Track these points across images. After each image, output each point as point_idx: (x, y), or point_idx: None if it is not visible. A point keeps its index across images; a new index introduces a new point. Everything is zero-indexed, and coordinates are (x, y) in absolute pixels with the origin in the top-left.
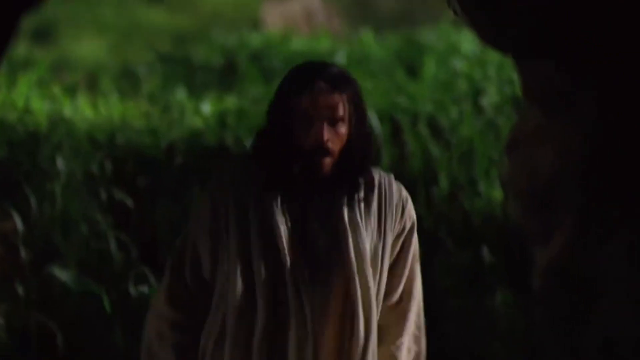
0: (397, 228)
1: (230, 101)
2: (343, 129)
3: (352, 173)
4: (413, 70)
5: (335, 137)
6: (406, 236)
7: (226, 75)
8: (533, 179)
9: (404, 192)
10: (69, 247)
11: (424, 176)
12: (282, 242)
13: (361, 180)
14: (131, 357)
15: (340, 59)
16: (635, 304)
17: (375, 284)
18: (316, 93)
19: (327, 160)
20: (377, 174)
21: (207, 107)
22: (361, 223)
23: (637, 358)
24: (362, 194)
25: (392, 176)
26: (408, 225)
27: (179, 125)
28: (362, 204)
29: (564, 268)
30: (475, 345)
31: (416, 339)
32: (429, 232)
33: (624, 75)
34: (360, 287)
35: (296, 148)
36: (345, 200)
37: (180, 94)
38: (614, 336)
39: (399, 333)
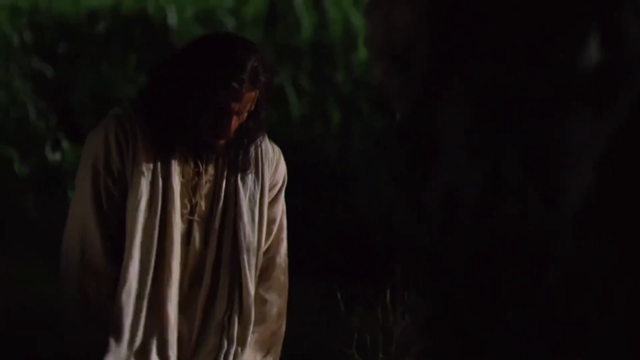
0: (272, 180)
1: None
2: (246, 115)
3: (240, 145)
4: None
5: (236, 124)
6: (278, 191)
7: None
8: (391, 38)
9: (277, 149)
10: None
11: (344, 43)
12: (175, 203)
13: (244, 143)
14: (43, 220)
15: None
16: (472, 156)
17: (255, 228)
18: (237, 91)
19: (222, 142)
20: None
21: None
22: (240, 183)
23: (474, 210)
24: (242, 155)
25: (266, 136)
26: (280, 181)
27: None
28: (241, 159)
29: (406, 125)
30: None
31: (281, 290)
32: (346, 98)
33: None
34: (237, 237)
35: (197, 129)
36: (227, 161)
37: None
38: (454, 190)
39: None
